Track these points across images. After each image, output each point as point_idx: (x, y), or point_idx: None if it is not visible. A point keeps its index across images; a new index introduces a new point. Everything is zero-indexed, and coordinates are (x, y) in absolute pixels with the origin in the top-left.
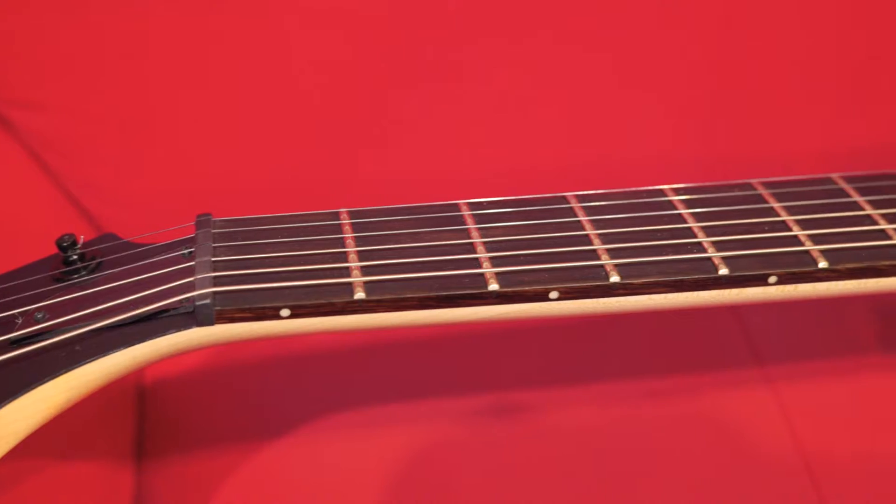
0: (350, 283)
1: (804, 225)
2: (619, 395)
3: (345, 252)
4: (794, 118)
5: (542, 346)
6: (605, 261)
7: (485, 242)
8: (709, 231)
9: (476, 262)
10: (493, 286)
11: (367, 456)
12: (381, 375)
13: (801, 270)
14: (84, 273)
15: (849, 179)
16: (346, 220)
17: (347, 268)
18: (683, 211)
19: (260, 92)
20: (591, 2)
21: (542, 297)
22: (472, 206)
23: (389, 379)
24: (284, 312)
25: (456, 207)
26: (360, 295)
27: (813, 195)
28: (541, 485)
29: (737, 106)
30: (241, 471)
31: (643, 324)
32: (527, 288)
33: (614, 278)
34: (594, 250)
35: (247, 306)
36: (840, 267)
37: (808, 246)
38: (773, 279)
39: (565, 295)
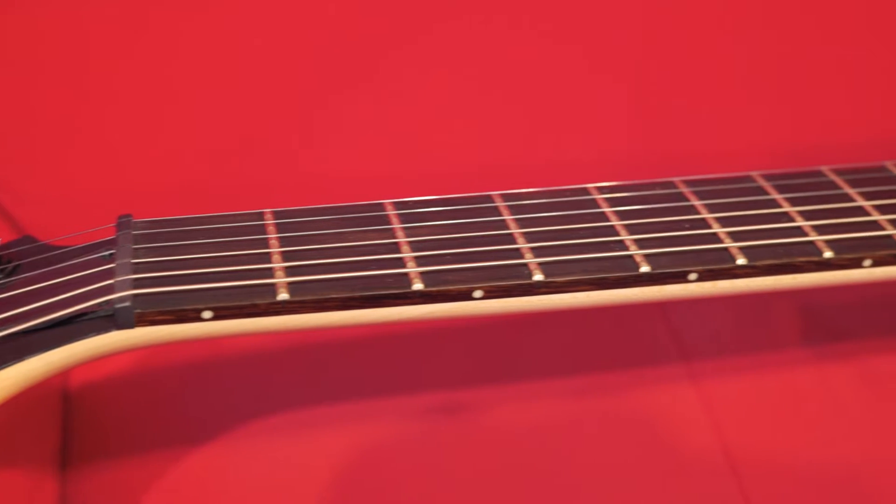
0: (273, 285)
1: (724, 222)
2: (547, 392)
3: (268, 253)
4: (716, 117)
5: (474, 344)
6: (529, 259)
7: (410, 242)
8: (631, 229)
9: (400, 262)
10: (418, 286)
11: (300, 459)
12: (314, 377)
13: (719, 267)
14: (0, 276)
15: (768, 177)
16: (269, 221)
17: (271, 269)
18: (607, 209)
19: (184, 89)
20: (515, 1)
21: (466, 296)
22: (398, 205)
23: (322, 380)
24: (206, 314)
25: (381, 207)
26: (283, 296)
27: (733, 193)
28: (473, 482)
29: (661, 105)
30: (171, 477)
31: (573, 321)
32: (451, 287)
33: (538, 277)
34: (518, 249)
35: (167, 308)
36: (758, 263)
37: (728, 243)
38: (693, 276)
39: (489, 294)
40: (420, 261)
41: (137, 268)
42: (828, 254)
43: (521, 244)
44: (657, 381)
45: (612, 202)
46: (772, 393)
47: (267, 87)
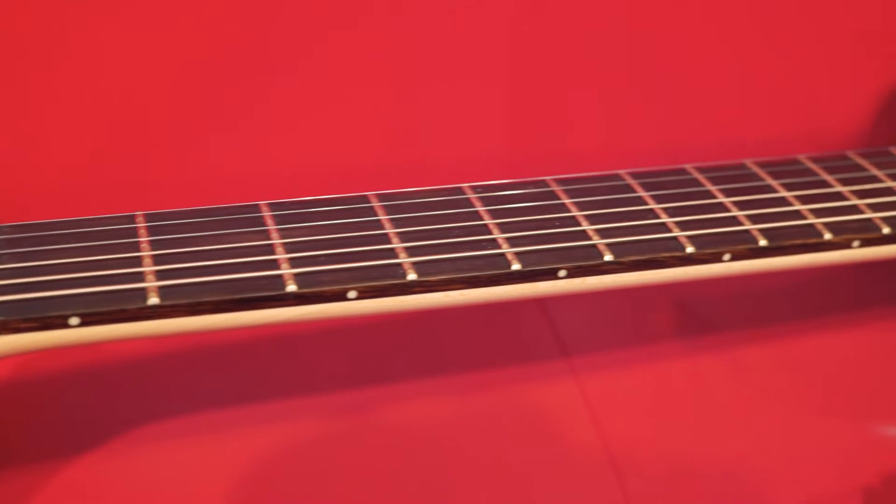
0: (144, 289)
1: (593, 220)
2: (432, 390)
3: (139, 256)
4: (588, 116)
5: (360, 344)
6: (403, 259)
7: (284, 243)
8: (503, 228)
9: (274, 264)
10: (291, 287)
11: (188, 464)
12: (201, 381)
13: (588, 264)
14: None
15: (635, 175)
16: (141, 224)
17: (141, 272)
18: (480, 208)
19: (59, 89)
20: (393, 3)
21: (341, 296)
22: (273, 206)
23: (210, 384)
24: (74, 321)
25: (256, 208)
26: (153, 300)
27: (602, 191)
28: (360, 482)
29: (535, 104)
30: (54, 487)
31: (456, 318)
32: (325, 288)
33: (411, 276)
34: (392, 249)
35: (32, 316)
36: (624, 260)
37: (596, 240)
38: (562, 273)
39: (364, 294)
40: (294, 262)
41: (1, 274)
42: (690, 249)
43: (396, 244)
44: (539, 376)
45: (486, 201)
46: (648, 386)
47: (144, 89)
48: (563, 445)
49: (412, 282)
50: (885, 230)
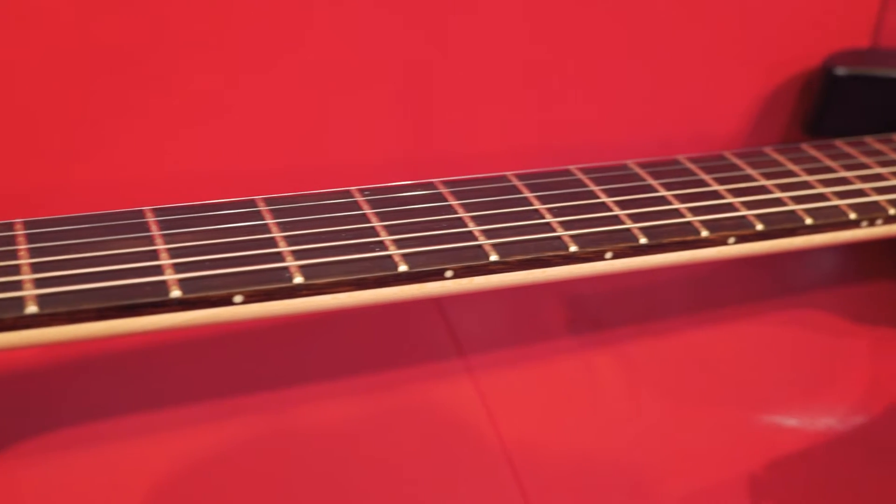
0: (21, 297)
1: (479, 221)
2: (331, 392)
3: (17, 265)
4: (477, 119)
5: (257, 347)
6: (290, 263)
7: (169, 249)
8: (391, 230)
9: (159, 270)
10: (176, 293)
11: (87, 474)
12: (96, 389)
13: (474, 264)
14: None
15: (521, 177)
16: (20, 231)
17: (19, 281)
18: (368, 211)
19: None
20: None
21: (227, 301)
22: (158, 211)
23: (107, 392)
24: None
25: (140, 214)
26: (32, 309)
27: (489, 192)
28: (259, 486)
29: (425, 107)
30: None
31: (353, 320)
32: (210, 293)
33: (298, 280)
34: (279, 253)
35: None
36: (509, 259)
37: (482, 241)
38: (449, 273)
39: (250, 298)
40: (179, 268)
41: None
42: (573, 248)
43: (283, 247)
44: (435, 376)
45: (374, 204)
46: (542, 383)
47: (23, 94)
48: (460, 444)
49: (299, 285)
50: (759, 227)
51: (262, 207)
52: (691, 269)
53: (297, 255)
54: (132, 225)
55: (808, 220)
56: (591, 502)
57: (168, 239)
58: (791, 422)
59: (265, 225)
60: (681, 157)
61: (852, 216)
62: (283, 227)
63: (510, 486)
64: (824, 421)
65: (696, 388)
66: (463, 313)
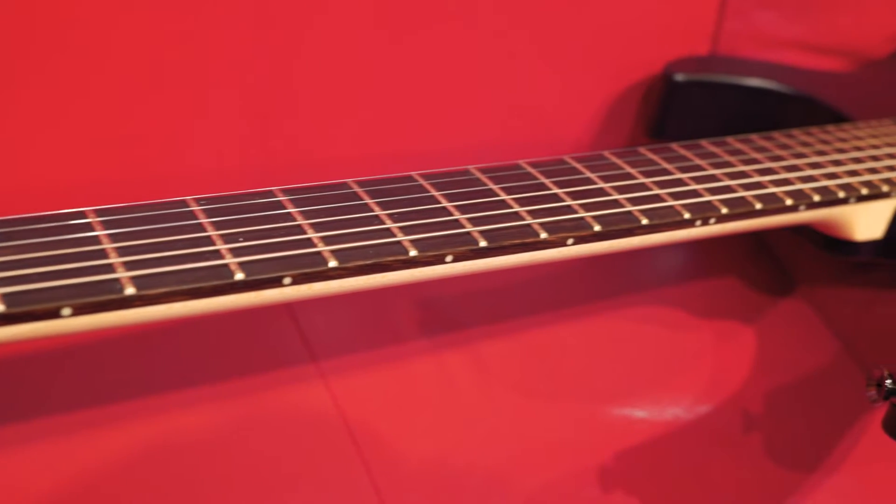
0: None
1: (318, 227)
2: (184, 401)
3: None
4: (322, 125)
5: (111, 358)
6: (122, 274)
7: None
8: (227, 238)
9: None
10: None
11: None
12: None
13: (313, 271)
14: None
15: (362, 183)
16: None
17: None
18: (204, 220)
19: None
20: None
21: (54, 314)
22: None
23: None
24: None
25: None
26: None
27: (329, 199)
28: (115, 498)
29: (268, 116)
30: None
31: (204, 328)
32: (36, 307)
33: (129, 291)
34: (111, 264)
35: None
36: (349, 265)
37: (321, 247)
38: (287, 280)
39: (80, 311)
40: (3, 282)
41: None
42: (413, 252)
43: (114, 259)
44: (288, 381)
45: (210, 213)
46: (397, 384)
47: None
48: (315, 448)
49: (131, 296)
50: (597, 228)
51: (93, 219)
52: (542, 268)
53: (129, 265)
54: None
55: (645, 221)
56: (446, 500)
57: None
58: (639, 413)
59: (95, 237)
60: (522, 162)
61: (686, 216)
62: (114, 238)
63: (366, 488)
64: (671, 411)
65: (547, 385)
66: (315, 318)
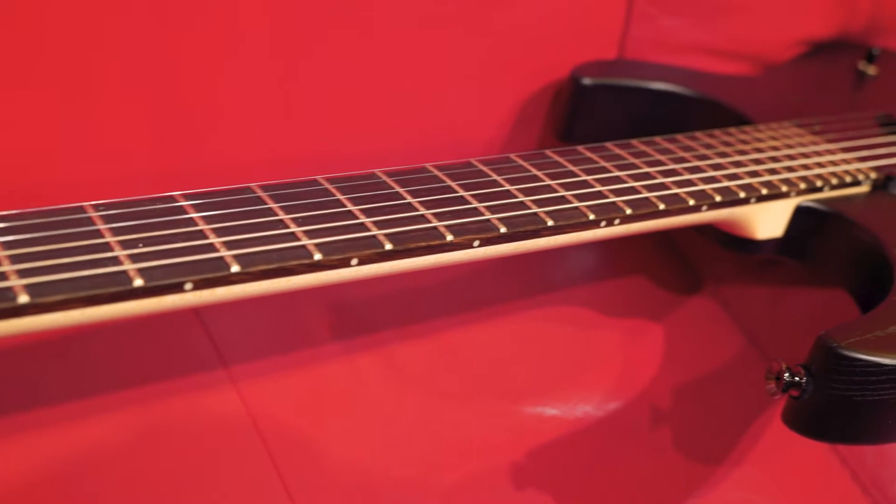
0: None
1: (220, 232)
2: (87, 410)
3: None
4: (224, 130)
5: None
6: (14, 282)
7: None
8: (126, 244)
9: None
10: None
11: None
12: None
13: (215, 276)
14: None
15: (265, 188)
16: None
17: None
18: (102, 226)
19: None
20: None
21: None
22: None
23: None
24: None
25: None
26: None
27: (232, 204)
28: None
29: (176, 120)
30: None
31: (113, 335)
32: None
33: (23, 299)
34: (3, 272)
35: None
36: (252, 270)
37: (223, 252)
38: (189, 286)
39: None
40: None
41: None
42: (318, 256)
43: (6, 267)
44: (198, 387)
45: (109, 219)
46: (308, 388)
47: None
48: (226, 454)
49: (25, 304)
50: (502, 230)
51: None
52: (453, 270)
53: (23, 273)
54: None
55: (550, 222)
56: (359, 502)
57: None
58: (550, 411)
59: None
60: (428, 165)
61: (592, 217)
62: (7, 245)
63: (279, 492)
64: (581, 408)
65: (460, 385)
66: (225, 323)
